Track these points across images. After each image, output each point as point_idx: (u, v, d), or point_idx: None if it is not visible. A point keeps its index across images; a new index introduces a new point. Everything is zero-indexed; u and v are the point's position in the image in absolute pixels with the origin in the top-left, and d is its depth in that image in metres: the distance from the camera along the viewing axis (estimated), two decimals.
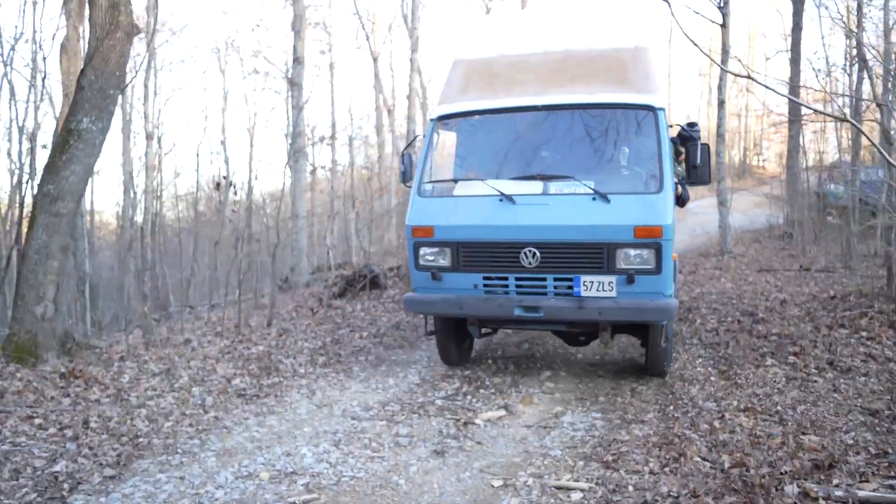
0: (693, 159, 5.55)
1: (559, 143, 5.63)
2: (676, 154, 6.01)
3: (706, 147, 5.59)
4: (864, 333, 6.86)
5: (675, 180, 5.66)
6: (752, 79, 4.29)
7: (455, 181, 5.65)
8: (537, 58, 5.82)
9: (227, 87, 26.32)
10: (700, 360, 6.22)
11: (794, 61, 19.55)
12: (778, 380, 5.38)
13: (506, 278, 5.27)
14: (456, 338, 6.13)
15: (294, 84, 16.42)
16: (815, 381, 5.32)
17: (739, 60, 6.76)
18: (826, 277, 11.22)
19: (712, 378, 5.55)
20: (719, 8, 13.59)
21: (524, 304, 5.16)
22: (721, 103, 13.93)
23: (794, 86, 19.87)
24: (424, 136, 5.98)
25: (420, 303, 5.55)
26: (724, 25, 13.51)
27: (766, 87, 4.72)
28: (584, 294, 5.08)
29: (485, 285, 5.34)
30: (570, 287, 5.12)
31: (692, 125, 6.12)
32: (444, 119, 5.90)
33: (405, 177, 5.92)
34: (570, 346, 6.70)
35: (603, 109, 5.50)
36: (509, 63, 5.86)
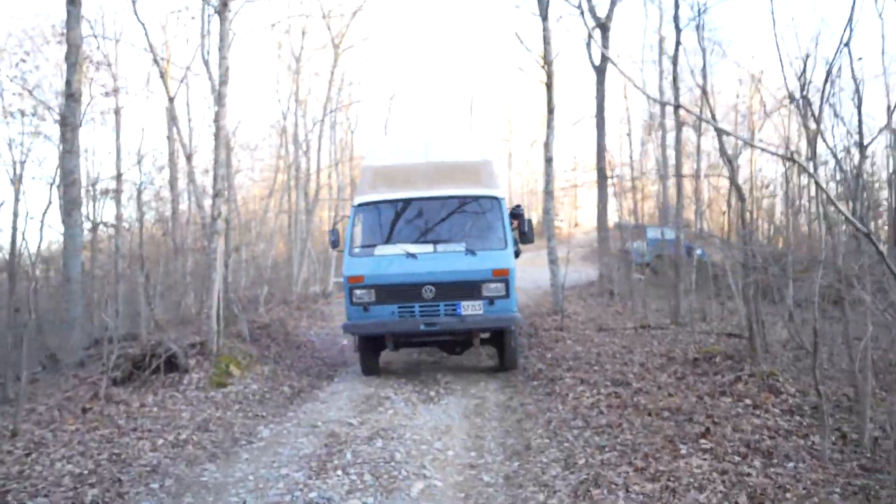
0: (522, 228, 8.77)
1: (440, 220, 8.45)
2: (511, 225, 8.64)
3: (529, 220, 8.83)
4: (747, 402, 6.21)
5: (513, 240, 8.48)
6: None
7: (374, 245, 8.34)
8: (422, 166, 8.75)
9: None
10: (599, 451, 5.08)
11: (599, 126, 20.46)
12: (708, 475, 4.35)
13: (413, 306, 7.96)
14: (374, 354, 8.64)
15: (67, 124, 13.63)
16: (749, 474, 4.37)
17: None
18: (662, 335, 10.96)
19: (634, 479, 4.39)
20: (543, 68, 13.47)
21: (426, 322, 7.90)
22: (549, 161, 13.67)
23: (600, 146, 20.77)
24: (349, 217, 8.72)
25: (355, 326, 8.09)
26: (549, 86, 13.37)
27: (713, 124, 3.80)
28: (463, 313, 7.94)
29: (399, 312, 7.96)
30: (454, 310, 7.94)
31: (518, 206, 9.24)
32: (361, 206, 8.62)
33: (334, 245, 8.84)
34: (450, 356, 9.47)
35: (466, 199, 8.51)
36: (403, 168, 8.80)
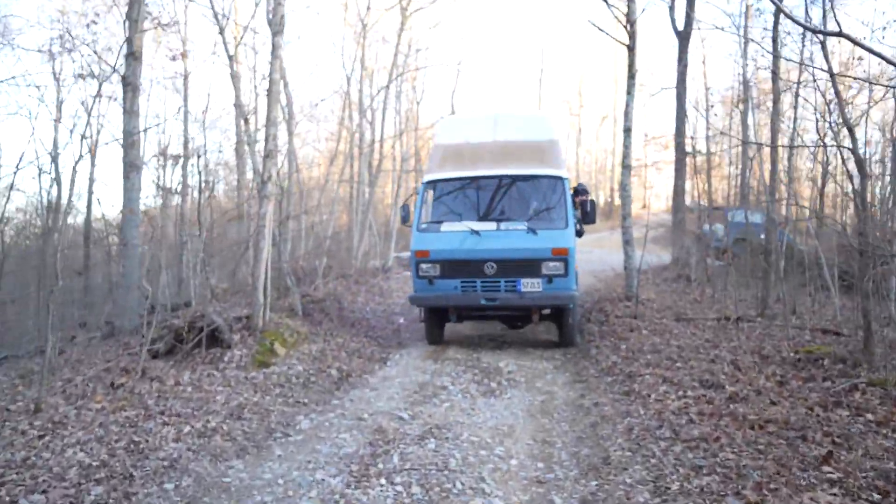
0: (584, 207, 8.75)
1: (505, 198, 8.62)
2: (574, 204, 8.69)
3: (593, 201, 8.90)
4: (869, 417, 5.18)
5: (574, 220, 8.47)
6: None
7: (441, 221, 8.57)
8: (489, 144, 8.88)
9: (61, 96, 22.15)
10: (696, 473, 4.18)
11: (680, 97, 19.04)
12: None
13: (475, 281, 8.18)
14: (439, 324, 9.04)
15: (128, 83, 13.32)
16: None
17: None
18: (749, 328, 9.85)
19: None
20: (625, 27, 12.29)
21: (486, 297, 8.10)
22: (627, 131, 12.54)
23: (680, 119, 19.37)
24: (418, 194, 9.01)
25: (421, 298, 8.44)
26: (631, 48, 12.20)
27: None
28: (523, 290, 8.07)
29: (462, 286, 8.22)
30: (514, 286, 8.10)
31: (581, 185, 9.17)
32: (429, 183, 8.91)
33: (405, 220, 8.93)
34: (510, 330, 9.77)
35: (530, 178, 8.63)
36: (471, 147, 8.95)
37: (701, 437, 4.80)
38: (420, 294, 8.44)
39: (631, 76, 12.30)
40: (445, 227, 8.48)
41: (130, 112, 13.14)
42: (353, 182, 20.14)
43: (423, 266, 8.34)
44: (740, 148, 23.49)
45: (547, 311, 8.56)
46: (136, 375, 6.35)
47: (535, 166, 8.66)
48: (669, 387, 6.30)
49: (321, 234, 19.66)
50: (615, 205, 53.26)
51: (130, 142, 13.06)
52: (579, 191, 9.02)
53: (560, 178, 8.61)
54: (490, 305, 8.18)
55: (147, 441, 4.58)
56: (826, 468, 4.13)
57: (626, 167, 12.68)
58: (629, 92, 12.45)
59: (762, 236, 20.32)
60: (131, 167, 13.15)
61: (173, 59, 21.23)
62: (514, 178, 8.69)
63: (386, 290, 16.14)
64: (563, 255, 8.03)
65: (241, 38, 13.63)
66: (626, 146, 12.61)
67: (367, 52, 19.59)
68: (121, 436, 4.67)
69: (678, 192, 19.69)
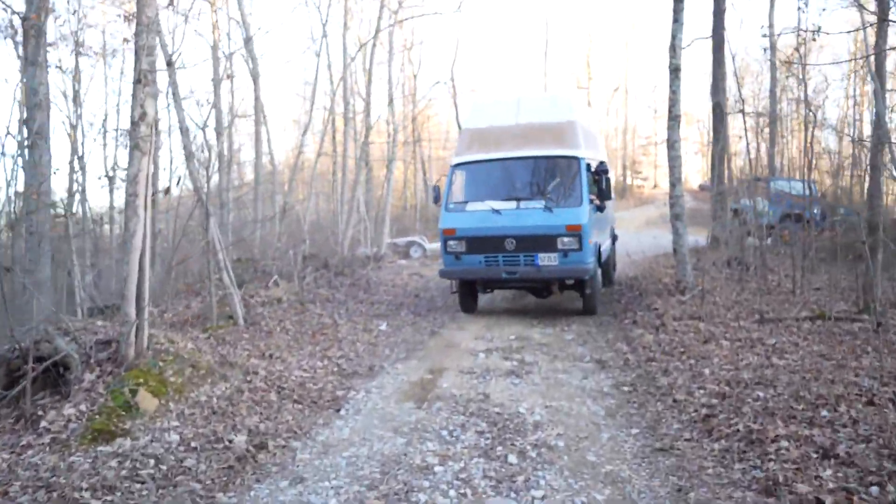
0: (600, 185, 9.12)
1: (526, 178, 9.21)
2: (594, 182, 9.16)
3: (608, 178, 9.23)
4: None
5: (592, 197, 9.01)
6: None
7: (467, 202, 9.23)
8: (512, 128, 9.48)
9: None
10: None
11: (717, 48, 16.03)
12: None
13: (497, 256, 8.80)
14: (470, 294, 9.74)
15: (32, 26, 10.39)
16: None
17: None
18: (861, 332, 6.99)
19: None
20: None
21: (507, 270, 8.76)
22: (675, 71, 9.57)
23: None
24: (446, 176, 9.76)
25: (449, 272, 9.24)
26: None
27: None
28: (541, 264, 8.63)
29: (485, 260, 8.89)
30: (533, 260, 8.65)
31: (602, 163, 9.38)
32: (457, 166, 9.61)
33: (436, 200, 9.77)
34: (538, 298, 10.16)
35: (548, 159, 9.14)
36: (495, 130, 9.57)
37: None
38: (449, 268, 9.18)
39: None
40: (471, 206, 9.09)
41: (35, 63, 10.23)
42: (337, 156, 17.19)
43: (451, 243, 9.04)
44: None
45: (570, 282, 9.04)
46: None
47: (553, 147, 9.07)
48: (834, 468, 3.39)
49: (300, 215, 16.76)
50: (629, 185, 50.20)
51: (35, 103, 10.18)
52: (599, 170, 9.17)
53: (576, 158, 8.97)
54: (511, 278, 8.84)
55: None
56: None
57: (674, 118, 9.71)
58: (676, 19, 9.52)
59: (815, 212, 17.44)
60: (38, 135, 10.24)
61: None
62: (534, 159, 9.17)
63: (374, 283, 13.23)
64: (576, 231, 8.46)
65: None
66: (674, 91, 9.64)
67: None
68: None
69: (717, 159, 16.63)
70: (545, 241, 8.49)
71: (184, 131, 8.56)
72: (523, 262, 8.64)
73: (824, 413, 4.26)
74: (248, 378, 5.25)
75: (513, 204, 8.75)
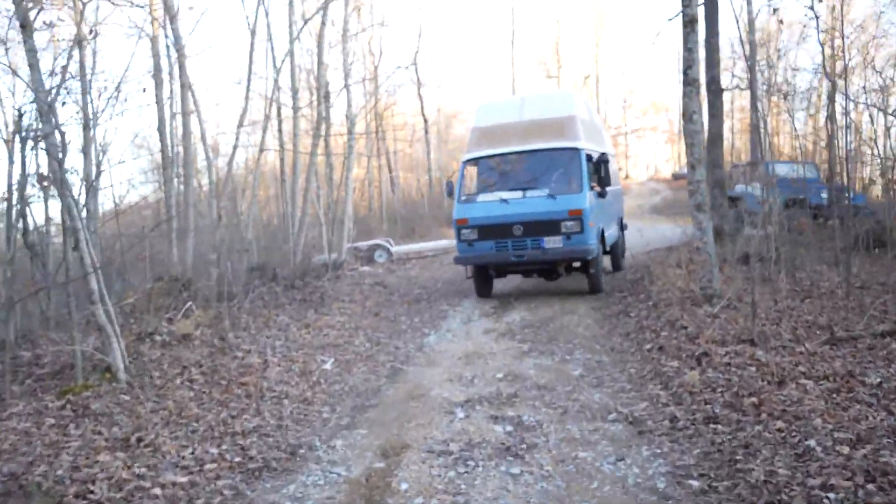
0: (599, 173, 9.85)
1: (531, 170, 9.91)
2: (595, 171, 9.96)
3: (606, 166, 9.90)
4: None
5: (593, 185, 9.76)
6: None
7: (477, 194, 10.25)
8: (517, 124, 10.36)
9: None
10: None
11: (710, 16, 14.15)
12: None
13: (506, 242, 9.51)
14: (484, 279, 10.43)
15: None
16: None
17: None
18: None
19: None
20: None
21: (516, 254, 9.49)
22: (690, 23, 7.56)
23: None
24: (459, 171, 10.74)
25: (463, 258, 10.01)
26: None
27: None
28: (546, 247, 9.33)
29: (495, 246, 9.60)
30: (539, 244, 9.35)
31: (604, 154, 10.13)
32: (467, 161, 10.55)
33: (450, 194, 10.48)
34: (547, 282, 10.63)
35: (552, 151, 9.86)
36: (501, 127, 10.43)
37: None
38: (463, 255, 9.95)
39: None
40: (481, 197, 9.98)
41: None
42: (284, 151, 14.97)
43: (464, 231, 9.78)
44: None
45: (577, 264, 9.78)
46: None
47: (555, 140, 9.84)
48: None
49: (244, 221, 14.50)
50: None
51: None
52: (600, 160, 9.85)
53: (576, 149, 9.71)
54: (519, 261, 9.56)
55: None
56: None
57: (690, 83, 7.70)
58: None
59: (823, 196, 15.81)
60: None
61: None
62: (537, 152, 9.89)
63: (329, 297, 10.99)
64: (577, 216, 9.19)
65: None
66: (690, 49, 7.68)
67: None
68: None
69: (713, 140, 14.72)
70: (550, 226, 9.24)
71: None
72: (530, 245, 9.41)
73: None
74: None
75: (519, 193, 9.59)
